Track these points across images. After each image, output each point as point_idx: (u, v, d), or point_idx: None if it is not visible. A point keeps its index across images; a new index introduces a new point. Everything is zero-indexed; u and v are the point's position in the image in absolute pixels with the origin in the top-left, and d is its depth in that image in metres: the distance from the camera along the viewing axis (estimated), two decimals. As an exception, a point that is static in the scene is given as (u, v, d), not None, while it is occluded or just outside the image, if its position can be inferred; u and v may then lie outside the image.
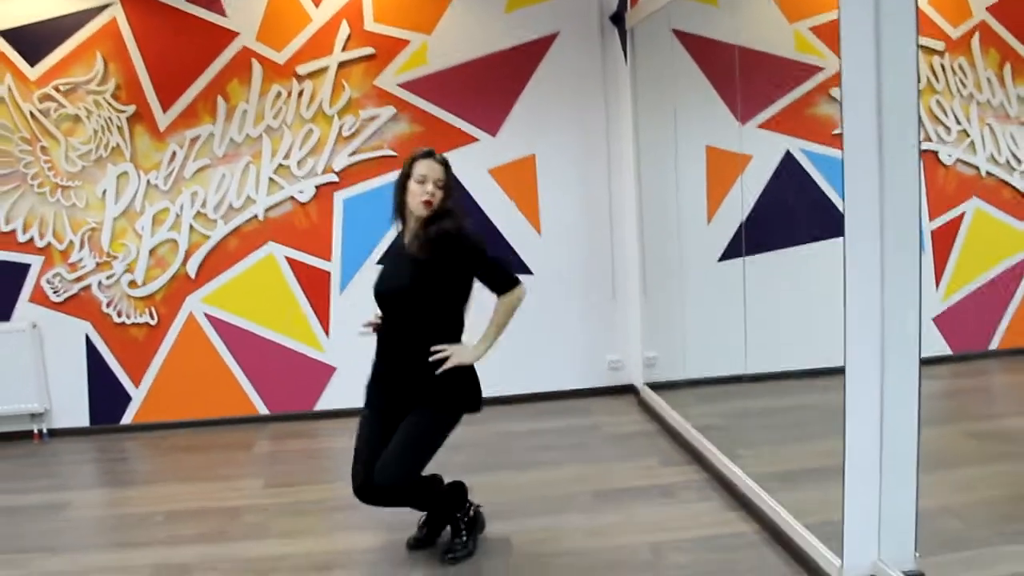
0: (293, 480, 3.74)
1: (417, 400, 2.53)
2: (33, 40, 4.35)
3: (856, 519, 2.36)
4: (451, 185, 2.57)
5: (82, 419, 4.55)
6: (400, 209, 2.57)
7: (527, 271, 4.53)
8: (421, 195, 2.47)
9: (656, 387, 4.34)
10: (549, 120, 4.48)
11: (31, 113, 4.37)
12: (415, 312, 2.52)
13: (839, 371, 2.32)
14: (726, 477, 3.21)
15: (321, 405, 4.57)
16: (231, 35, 4.39)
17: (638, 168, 4.43)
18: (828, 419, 2.38)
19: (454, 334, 2.60)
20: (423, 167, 2.50)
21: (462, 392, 2.59)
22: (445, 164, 2.56)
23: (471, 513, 2.79)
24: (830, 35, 4.06)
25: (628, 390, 4.65)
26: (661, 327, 4.44)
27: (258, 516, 3.28)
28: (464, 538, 2.73)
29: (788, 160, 4.32)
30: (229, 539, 3.06)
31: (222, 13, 4.37)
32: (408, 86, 4.44)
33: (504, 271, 2.62)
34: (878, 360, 2.24)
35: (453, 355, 2.52)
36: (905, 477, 2.29)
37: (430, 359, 2.51)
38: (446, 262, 2.49)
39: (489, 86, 4.46)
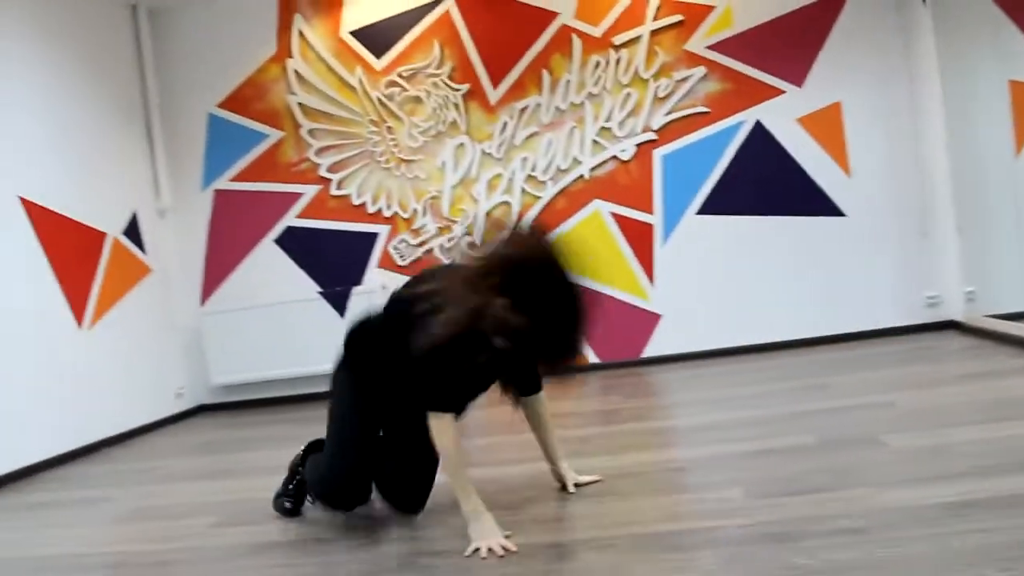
0: (649, 393, 4.72)
1: None
2: (378, 36, 5.69)
3: None
4: None
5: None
6: None
7: (839, 213, 5.42)
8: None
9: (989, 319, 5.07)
10: (852, 67, 5.37)
11: (378, 99, 5.69)
12: None
13: None
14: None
15: (648, 352, 5.58)
16: (551, 15, 5.58)
17: (944, 106, 5.28)
18: None
19: None
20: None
21: None
22: None
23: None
24: None
25: (948, 325, 5.40)
26: (982, 260, 5.21)
27: (631, 411, 4.14)
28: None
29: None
30: (613, 423, 3.87)
31: (545, -4, 5.58)
32: (716, 47, 5.48)
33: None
34: None
35: None
36: None
37: None
38: None
39: (792, 41, 5.42)
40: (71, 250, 4.95)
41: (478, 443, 3.79)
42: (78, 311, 4.96)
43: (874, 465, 2.59)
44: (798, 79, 5.38)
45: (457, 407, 2.41)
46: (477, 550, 2.25)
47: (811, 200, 5.39)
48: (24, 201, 4.64)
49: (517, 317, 2.08)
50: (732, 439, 3.18)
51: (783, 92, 5.40)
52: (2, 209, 4.48)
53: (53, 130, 4.96)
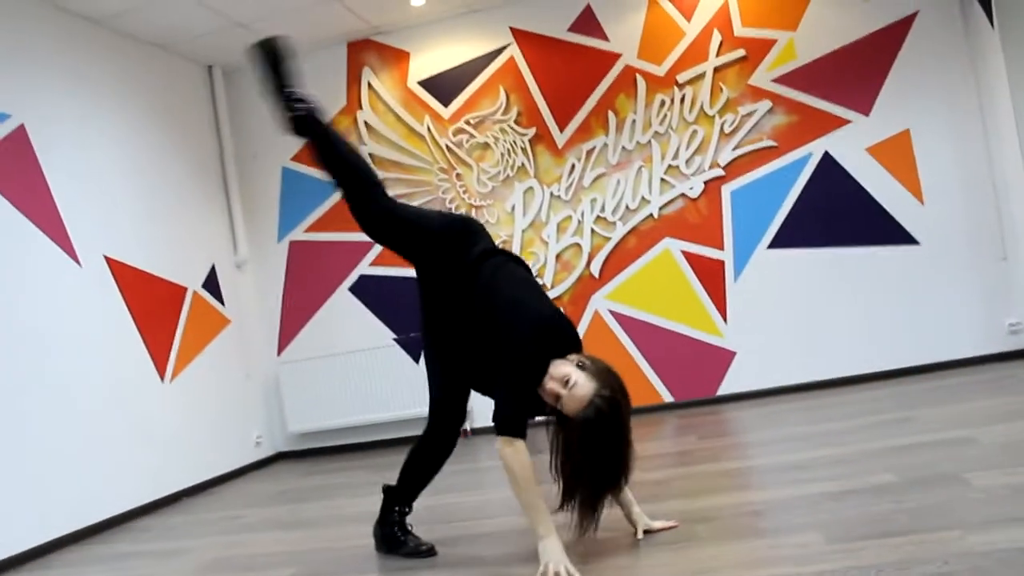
0: (725, 433, 4.82)
1: None
2: (445, 85, 5.98)
3: None
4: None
5: (501, 416, 5.93)
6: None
7: (913, 241, 5.52)
8: (552, 398, 2.59)
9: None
10: (919, 93, 5.48)
11: (446, 146, 5.97)
12: None
13: None
14: None
15: (723, 389, 5.71)
16: (614, 57, 5.82)
17: (1017, 127, 5.37)
18: None
19: None
20: (560, 369, 2.57)
21: None
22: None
23: None
24: None
25: (1034, 352, 5.43)
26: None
27: (707, 452, 4.20)
28: None
29: None
30: (688, 464, 3.95)
31: (604, 39, 5.82)
32: (781, 80, 5.65)
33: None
34: None
35: None
36: None
37: None
38: None
39: (857, 70, 5.56)
40: (154, 306, 5.27)
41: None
42: (160, 366, 5.26)
43: (958, 506, 2.59)
44: (865, 108, 5.53)
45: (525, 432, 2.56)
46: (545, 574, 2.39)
47: (884, 229, 5.50)
48: (109, 260, 4.96)
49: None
50: (811, 479, 3.18)
51: (850, 122, 5.54)
52: (90, 270, 4.79)
53: (136, 187, 5.31)
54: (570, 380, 2.50)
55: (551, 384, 2.52)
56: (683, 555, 2.60)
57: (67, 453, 4.37)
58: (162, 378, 5.22)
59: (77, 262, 4.69)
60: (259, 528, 4.16)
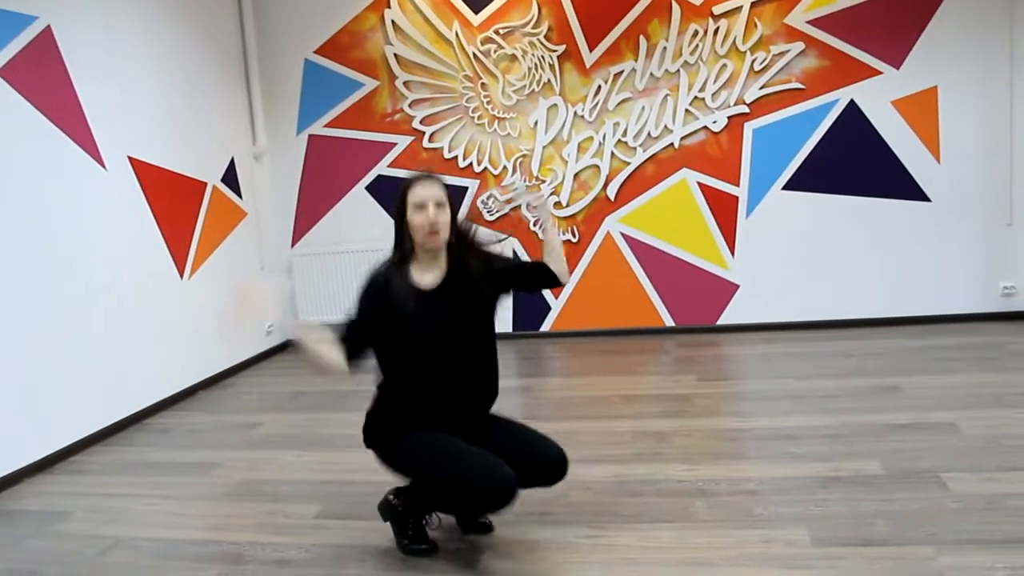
0: (722, 376, 5.27)
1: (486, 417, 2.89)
2: (478, -11, 6.08)
3: None
4: (453, 202, 2.73)
5: (506, 326, 6.39)
6: (402, 244, 2.70)
7: (924, 198, 5.87)
8: (424, 225, 2.62)
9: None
10: (953, 52, 5.66)
11: (474, 54, 6.14)
12: (484, 344, 2.82)
13: None
14: None
15: (723, 320, 6.18)
16: (652, -21, 5.93)
17: (1045, 96, 5.63)
18: None
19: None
20: (418, 192, 2.63)
21: None
22: (440, 180, 2.73)
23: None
24: None
25: (1021, 316, 5.89)
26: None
27: (706, 400, 4.64)
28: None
29: None
30: (688, 416, 4.25)
31: (644, -41, 5.92)
32: (816, 22, 5.81)
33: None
34: None
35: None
36: None
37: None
38: (496, 280, 2.87)
39: (894, 20, 5.71)
40: (175, 203, 5.45)
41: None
42: (180, 263, 5.50)
43: (935, 514, 2.89)
44: (896, 60, 5.74)
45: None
46: None
47: (897, 183, 5.83)
48: (133, 161, 5.12)
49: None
50: (803, 456, 3.54)
51: (880, 73, 5.76)
52: (114, 172, 4.91)
53: (159, 84, 5.38)
54: (427, 207, 2.64)
55: (417, 218, 2.64)
56: (681, 539, 2.96)
57: (92, 355, 4.64)
58: (181, 276, 5.51)
59: (102, 165, 4.83)
60: (279, 443, 4.42)
